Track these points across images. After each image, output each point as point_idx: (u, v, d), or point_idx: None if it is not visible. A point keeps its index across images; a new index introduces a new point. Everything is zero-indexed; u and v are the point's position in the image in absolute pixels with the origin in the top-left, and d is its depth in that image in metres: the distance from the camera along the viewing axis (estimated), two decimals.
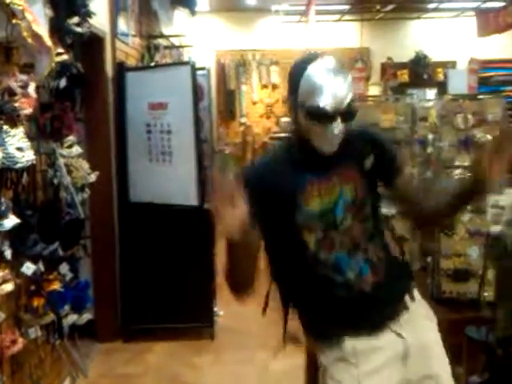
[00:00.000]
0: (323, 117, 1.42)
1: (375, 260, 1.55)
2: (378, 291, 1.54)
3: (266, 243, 1.54)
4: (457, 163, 2.15)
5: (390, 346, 1.53)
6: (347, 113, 1.44)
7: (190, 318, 3.85)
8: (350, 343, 1.51)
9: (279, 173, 1.52)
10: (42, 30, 2.27)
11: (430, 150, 2.30)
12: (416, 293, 1.64)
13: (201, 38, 7.75)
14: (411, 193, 1.58)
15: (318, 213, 1.50)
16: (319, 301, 1.55)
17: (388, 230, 1.64)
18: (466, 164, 2.15)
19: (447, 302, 2.08)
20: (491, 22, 6.91)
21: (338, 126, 1.43)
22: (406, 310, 1.56)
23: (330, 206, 1.50)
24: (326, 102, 1.42)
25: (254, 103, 8.56)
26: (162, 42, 5.56)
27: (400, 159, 1.58)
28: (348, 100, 1.44)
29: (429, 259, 2.19)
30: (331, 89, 1.42)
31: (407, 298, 1.59)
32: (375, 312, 1.54)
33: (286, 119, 8.37)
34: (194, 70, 3.78)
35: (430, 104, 2.43)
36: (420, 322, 1.59)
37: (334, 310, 1.54)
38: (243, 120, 8.42)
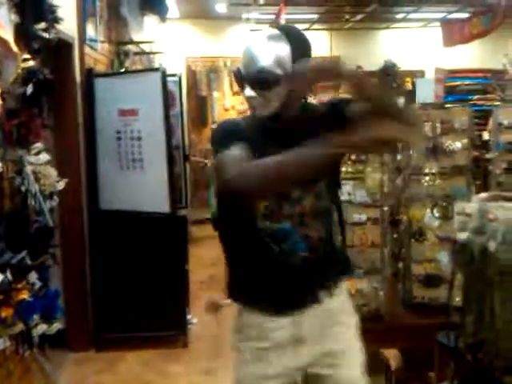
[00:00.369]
0: (238, 82, 1.53)
1: (316, 239, 1.57)
2: (309, 271, 1.58)
3: (220, 199, 1.64)
4: (426, 170, 2.18)
5: (288, 329, 1.58)
6: (256, 81, 1.48)
7: (162, 326, 3.81)
8: (260, 315, 1.59)
9: (245, 136, 1.55)
10: (8, 35, 2.23)
11: (399, 157, 2.33)
12: (344, 289, 1.66)
13: (171, 45, 7.72)
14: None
15: None
16: (253, 266, 1.60)
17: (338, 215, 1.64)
18: (434, 171, 2.18)
19: (418, 307, 2.11)
20: (456, 33, 7.07)
21: (248, 93, 1.49)
22: (326, 300, 1.58)
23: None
24: (244, 69, 1.50)
25: (226, 110, 8.56)
26: (132, 48, 5.52)
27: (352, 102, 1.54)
28: (257, 68, 1.48)
29: (400, 265, 2.22)
30: (246, 57, 1.50)
31: (332, 289, 1.61)
32: (298, 292, 1.59)
33: None
34: (164, 76, 3.76)
35: None
36: (334, 329, 1.60)
37: (262, 278, 1.59)
38: (215, 126, 8.41)
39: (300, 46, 1.52)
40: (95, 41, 4.26)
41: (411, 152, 2.18)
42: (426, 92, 4.54)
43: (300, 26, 6.56)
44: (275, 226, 1.56)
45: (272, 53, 1.48)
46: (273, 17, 7.06)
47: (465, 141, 2.32)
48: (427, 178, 2.17)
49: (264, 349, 1.60)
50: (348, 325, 1.65)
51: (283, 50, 1.48)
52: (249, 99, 1.52)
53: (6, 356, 2.52)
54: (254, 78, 1.49)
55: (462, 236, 1.82)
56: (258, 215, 1.56)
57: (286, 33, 1.51)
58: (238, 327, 1.66)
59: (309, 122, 1.56)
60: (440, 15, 7.54)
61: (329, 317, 1.61)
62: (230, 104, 8.54)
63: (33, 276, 2.54)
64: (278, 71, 1.48)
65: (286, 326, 1.59)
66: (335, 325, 1.61)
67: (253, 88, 1.50)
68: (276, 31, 1.52)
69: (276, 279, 1.59)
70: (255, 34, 1.55)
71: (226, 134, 1.55)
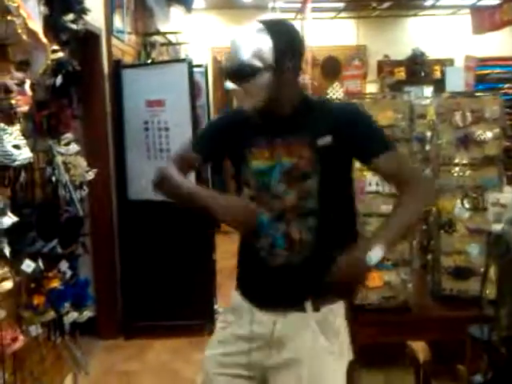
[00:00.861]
0: (223, 76, 1.53)
1: (296, 238, 1.53)
2: (290, 272, 1.54)
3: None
4: (456, 161, 2.14)
5: (265, 326, 1.55)
6: (235, 74, 1.50)
7: (190, 315, 3.85)
8: (245, 304, 1.60)
9: (237, 126, 1.60)
10: (37, 26, 2.26)
11: (428, 147, 2.29)
12: (340, 312, 1.57)
13: (197, 35, 7.72)
14: (393, 173, 1.51)
15: (257, 171, 1.55)
16: (243, 256, 1.63)
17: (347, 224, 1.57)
18: (465, 161, 2.14)
19: (447, 299, 2.08)
20: (486, 20, 6.92)
21: (230, 86, 1.51)
22: (312, 313, 1.52)
23: (268, 168, 1.54)
24: (226, 62, 1.53)
25: None
26: (158, 39, 5.54)
27: (378, 139, 1.51)
28: (236, 61, 1.49)
29: (429, 257, 2.19)
30: (231, 50, 1.51)
31: (310, 304, 1.53)
32: (279, 292, 1.55)
33: None
34: (190, 67, 3.76)
35: (428, 101, 2.43)
36: (312, 348, 1.52)
37: (249, 270, 1.61)
38: None
39: (284, 40, 1.50)
40: (122, 32, 4.28)
41: (440, 142, 2.14)
42: (456, 80, 4.45)
43: (326, 15, 6.47)
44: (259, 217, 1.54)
45: (251, 46, 1.48)
46: (299, 5, 7.00)
47: (496, 130, 2.27)
48: (457, 169, 2.13)
49: (235, 337, 1.60)
50: (331, 352, 1.54)
51: (264, 43, 1.48)
52: (232, 92, 1.55)
53: (38, 342, 2.58)
54: (232, 71, 1.51)
55: (497, 227, 1.78)
56: None
57: (269, 27, 1.50)
58: (225, 309, 1.70)
59: (299, 120, 1.53)
60: (470, 2, 7.38)
61: (310, 331, 1.53)
62: None
63: (64, 265, 2.59)
64: (257, 64, 1.47)
65: (264, 324, 1.56)
66: (315, 343, 1.53)
67: (232, 81, 1.52)
68: (259, 25, 1.51)
69: (258, 274, 1.59)
70: (240, 29, 1.55)
71: (216, 122, 1.66)
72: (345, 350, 1.59)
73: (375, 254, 1.35)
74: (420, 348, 2.64)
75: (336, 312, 1.56)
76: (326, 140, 1.49)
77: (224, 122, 1.69)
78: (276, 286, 1.56)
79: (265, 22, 1.53)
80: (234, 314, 1.64)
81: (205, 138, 1.71)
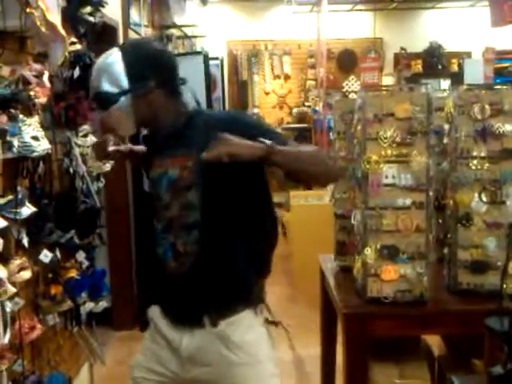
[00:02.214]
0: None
1: (181, 250, 1.53)
2: (181, 284, 1.56)
3: None
4: (474, 154, 2.11)
5: (173, 341, 1.59)
6: (95, 102, 1.54)
7: None
8: (158, 314, 1.66)
9: (149, 141, 1.65)
10: (56, 19, 2.28)
11: (446, 140, 2.27)
12: (245, 323, 1.55)
13: (213, 28, 7.72)
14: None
15: (151, 182, 1.62)
16: (155, 264, 1.65)
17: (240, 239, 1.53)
18: (483, 154, 2.12)
19: (464, 293, 2.06)
20: (506, 12, 6.81)
21: (97, 114, 1.57)
22: (210, 328, 1.53)
23: (157, 179, 1.58)
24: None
25: (267, 94, 8.54)
26: (174, 32, 5.55)
27: (263, 134, 1.43)
28: (93, 89, 1.51)
29: (445, 250, 2.17)
30: (91, 79, 1.54)
31: (206, 318, 1.53)
32: (176, 305, 1.59)
33: (298, 110, 8.35)
34: (206, 59, 3.78)
35: (446, 94, 2.41)
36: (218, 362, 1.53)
37: (157, 276, 1.66)
38: (255, 111, 8.40)
39: (140, 62, 1.49)
40: (139, 25, 4.30)
41: (458, 135, 2.12)
42: (475, 73, 4.40)
43: (343, 7, 6.45)
44: (156, 225, 1.62)
45: (104, 73, 1.48)
46: None
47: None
48: (475, 162, 2.10)
49: (159, 345, 1.64)
50: (240, 364, 1.54)
51: (116, 68, 1.47)
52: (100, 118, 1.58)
53: (55, 331, 2.62)
54: (93, 100, 1.54)
55: None
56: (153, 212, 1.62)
57: (124, 50, 1.50)
58: (149, 315, 1.73)
59: (182, 136, 1.52)
60: None
61: (213, 346, 1.53)
62: (271, 88, 8.51)
63: (81, 255, 2.62)
64: (112, 90, 1.47)
65: (174, 340, 1.59)
66: (221, 358, 1.54)
67: (97, 110, 1.55)
68: (115, 50, 1.51)
69: (162, 283, 1.64)
70: (100, 57, 1.56)
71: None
72: (259, 357, 1.57)
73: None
74: (435, 342, 2.63)
75: (237, 324, 1.55)
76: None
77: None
78: (174, 297, 1.61)
79: (121, 46, 1.54)
80: (154, 325, 1.68)
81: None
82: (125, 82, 1.47)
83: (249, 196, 1.55)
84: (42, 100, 2.28)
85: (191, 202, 1.51)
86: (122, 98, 1.48)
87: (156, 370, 1.63)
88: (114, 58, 1.49)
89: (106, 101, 1.48)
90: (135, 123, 1.54)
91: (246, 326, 1.56)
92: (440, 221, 2.31)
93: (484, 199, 2.07)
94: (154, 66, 1.50)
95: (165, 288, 1.65)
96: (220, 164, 1.38)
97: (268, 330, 1.63)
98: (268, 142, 1.38)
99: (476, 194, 2.07)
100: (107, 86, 1.47)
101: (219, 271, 1.54)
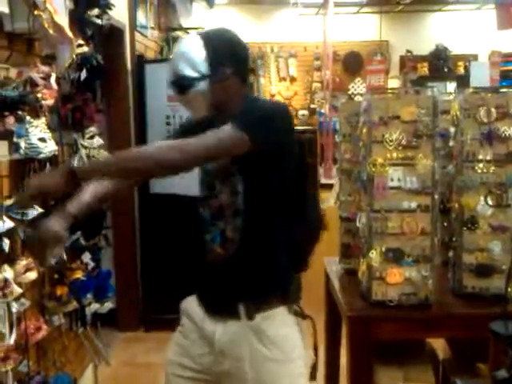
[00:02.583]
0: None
1: (229, 236, 1.56)
2: (223, 271, 1.58)
3: None
4: (480, 157, 2.11)
5: (208, 331, 1.59)
6: (174, 85, 1.55)
7: None
8: (193, 306, 1.66)
9: (198, 128, 1.59)
10: (63, 21, 2.29)
11: (451, 143, 2.27)
12: (278, 318, 1.56)
13: None
14: None
15: (204, 171, 1.63)
16: (196, 253, 1.65)
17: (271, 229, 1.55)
18: (489, 158, 2.12)
19: (469, 297, 2.05)
20: None
21: (174, 97, 1.58)
22: (246, 320, 1.54)
23: (208, 168, 1.60)
24: (169, 76, 1.57)
25: (272, 96, 8.53)
26: (180, 34, 5.56)
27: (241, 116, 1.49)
28: (173, 73, 1.53)
29: (450, 253, 2.16)
30: (170, 64, 1.57)
31: (242, 309, 1.54)
32: (215, 293, 1.60)
33: (304, 112, 8.34)
34: None
35: (452, 97, 2.40)
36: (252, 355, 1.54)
37: (198, 268, 1.66)
38: None
39: (219, 49, 1.54)
40: (145, 27, 4.32)
41: (463, 138, 2.12)
42: (481, 76, 4.39)
43: (349, 10, 6.43)
44: (203, 214, 1.62)
45: (185, 57, 1.52)
46: (321, 0, 6.96)
47: None
48: (481, 165, 2.10)
49: (190, 340, 1.64)
50: (272, 359, 1.55)
51: (197, 53, 1.52)
52: (179, 102, 1.60)
53: (61, 332, 2.63)
54: (172, 83, 1.55)
55: None
56: (197, 201, 1.63)
57: (204, 37, 1.54)
58: (182, 307, 1.73)
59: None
60: None
61: (247, 340, 1.54)
62: (277, 90, 8.51)
63: (86, 256, 2.63)
64: (192, 74, 1.51)
65: (208, 332, 1.60)
66: (254, 352, 1.54)
67: (175, 93, 1.57)
68: (196, 36, 1.55)
69: (204, 271, 1.65)
70: (178, 43, 1.62)
71: (185, 124, 1.73)
72: (292, 354, 1.58)
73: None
74: (440, 346, 2.62)
75: (272, 319, 1.56)
76: None
77: (190, 124, 1.71)
78: (213, 285, 1.61)
79: (201, 33, 1.57)
80: (186, 316, 1.69)
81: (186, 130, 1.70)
82: (205, 68, 1.52)
83: (287, 185, 1.58)
84: (49, 102, 2.29)
85: (235, 187, 1.55)
86: (201, 83, 1.52)
87: (189, 366, 1.64)
88: (195, 45, 1.53)
89: (185, 85, 1.53)
90: (208, 107, 1.56)
91: (280, 323, 1.57)
92: (445, 224, 2.31)
93: (490, 202, 2.07)
94: (232, 55, 1.57)
95: (204, 276, 1.66)
96: (257, 154, 1.43)
97: (300, 329, 1.64)
98: (75, 166, 1.46)
99: (481, 198, 2.07)
100: (188, 71, 1.52)
101: (257, 259, 1.56)
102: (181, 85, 1.54)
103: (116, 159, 1.48)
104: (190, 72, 1.52)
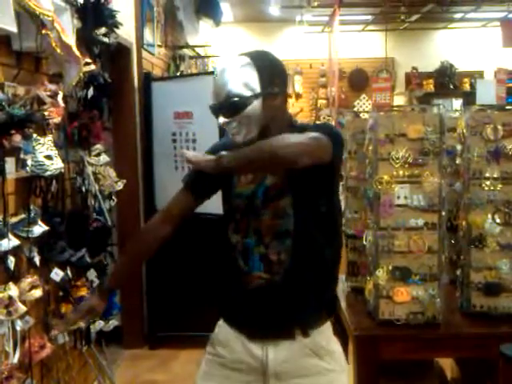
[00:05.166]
0: (212, 113, 1.56)
1: (274, 260, 1.53)
2: (271, 296, 1.54)
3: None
4: (487, 175, 2.10)
5: (256, 358, 1.55)
6: (226, 107, 1.51)
7: (215, 326, 3.85)
8: (235, 334, 1.59)
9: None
10: (71, 40, 2.31)
11: (458, 161, 2.26)
12: (327, 335, 1.58)
13: (225, 48, 7.80)
14: None
15: (243, 195, 1.58)
16: (228, 281, 1.62)
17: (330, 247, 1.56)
18: (496, 175, 2.11)
19: (477, 316, 2.03)
20: None
21: (222, 120, 1.52)
22: (301, 338, 1.53)
23: (253, 191, 1.56)
24: (215, 98, 1.54)
25: None
26: (187, 52, 5.61)
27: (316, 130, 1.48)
28: (225, 94, 1.50)
29: (458, 272, 2.14)
30: (215, 86, 1.54)
31: (297, 329, 1.53)
32: (264, 317, 1.55)
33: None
34: None
35: (458, 114, 2.40)
36: (310, 371, 1.53)
37: (235, 295, 1.60)
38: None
39: (268, 67, 1.53)
40: (152, 45, 4.35)
41: (470, 155, 2.11)
42: (487, 93, 4.38)
43: (354, 28, 6.48)
44: (242, 240, 1.57)
45: (238, 77, 1.51)
46: (326, 19, 7.02)
47: None
48: (488, 183, 2.09)
49: (229, 369, 1.60)
50: (332, 370, 1.56)
51: (249, 72, 1.51)
52: (225, 126, 1.55)
53: (65, 350, 2.61)
54: (225, 104, 1.52)
55: None
56: (230, 228, 1.59)
57: (252, 57, 1.54)
58: (212, 339, 1.69)
59: None
60: (500, 15, 7.29)
61: (304, 356, 1.54)
62: None
63: (92, 273, 2.62)
64: (246, 93, 1.50)
65: (257, 355, 1.56)
66: (314, 367, 1.54)
67: (225, 115, 1.52)
68: (243, 57, 1.54)
69: (243, 298, 1.59)
70: (221, 63, 1.60)
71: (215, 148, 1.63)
72: (344, 364, 1.62)
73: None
74: (448, 365, 2.59)
75: (326, 333, 1.58)
76: None
77: (223, 148, 1.65)
78: (259, 311, 1.56)
79: (248, 54, 1.56)
80: (223, 346, 1.64)
81: (198, 176, 1.64)
82: (258, 86, 1.51)
83: (331, 202, 1.58)
84: (56, 120, 2.30)
85: (284, 209, 1.53)
86: (255, 102, 1.51)
87: None
88: (244, 63, 1.53)
89: (240, 104, 1.51)
90: (260, 127, 1.54)
91: (330, 335, 1.60)
92: (453, 242, 2.29)
93: (497, 220, 2.06)
94: (278, 73, 1.57)
95: (245, 303, 1.60)
96: (306, 173, 1.42)
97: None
98: (222, 153, 1.45)
99: (489, 216, 2.05)
100: (242, 90, 1.50)
101: (311, 280, 1.54)
102: (235, 105, 1.50)
103: (250, 152, 1.46)
104: (244, 91, 1.50)
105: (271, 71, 1.55)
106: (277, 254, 1.53)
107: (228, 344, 1.62)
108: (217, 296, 1.71)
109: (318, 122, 1.66)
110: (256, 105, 1.51)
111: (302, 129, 1.54)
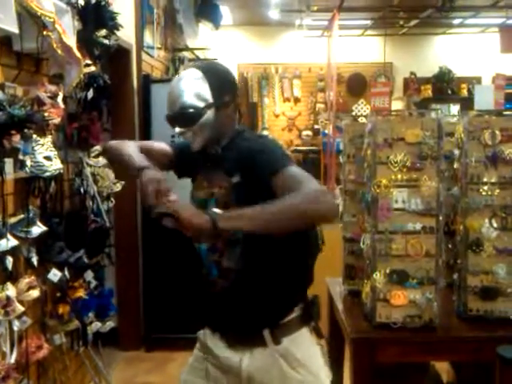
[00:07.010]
0: (168, 123, 1.61)
1: (225, 266, 1.57)
2: (228, 300, 1.58)
3: None
4: (484, 179, 2.11)
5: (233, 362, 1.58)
6: (181, 118, 1.56)
7: None
8: (205, 334, 1.67)
9: (194, 155, 1.66)
10: (71, 41, 2.32)
11: (456, 165, 2.27)
12: (305, 341, 1.58)
13: (224, 52, 7.81)
14: (289, 186, 1.39)
15: (198, 202, 1.63)
16: (199, 283, 1.67)
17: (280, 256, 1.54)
18: (494, 180, 2.12)
19: (473, 319, 2.04)
20: None
21: (178, 130, 1.57)
22: (260, 346, 1.55)
23: (204, 201, 1.61)
24: (169, 109, 1.59)
25: (276, 116, 8.58)
26: (186, 54, 5.62)
27: (274, 160, 1.47)
28: (179, 105, 1.55)
29: (455, 276, 2.15)
30: (169, 97, 1.59)
31: (267, 335, 1.54)
32: (219, 318, 1.62)
33: (307, 132, 8.38)
34: None
35: (456, 119, 2.42)
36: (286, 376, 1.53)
37: (202, 299, 1.66)
38: (265, 133, 8.43)
39: (218, 78, 1.59)
40: (152, 48, 4.37)
41: (468, 160, 2.13)
42: (485, 99, 4.39)
43: (353, 32, 6.47)
44: (198, 246, 1.62)
45: (190, 89, 1.55)
46: (325, 23, 7.03)
47: None
48: (485, 188, 2.10)
49: (210, 364, 1.65)
50: (302, 381, 1.56)
51: (200, 84, 1.56)
52: (181, 136, 1.60)
53: (62, 351, 2.61)
54: (178, 115, 1.56)
55: None
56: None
57: (203, 70, 1.58)
58: (199, 335, 1.73)
59: (226, 160, 1.59)
60: (499, 21, 7.33)
61: (276, 365, 1.54)
62: (280, 110, 8.55)
63: (89, 275, 2.62)
64: (200, 104, 1.55)
65: (232, 361, 1.59)
66: (285, 378, 1.54)
67: (180, 125, 1.57)
68: (194, 70, 1.59)
69: (209, 301, 1.65)
70: (175, 78, 1.63)
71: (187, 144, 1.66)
72: (321, 374, 1.60)
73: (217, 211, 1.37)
74: (444, 368, 2.59)
75: (299, 341, 1.58)
76: (236, 179, 1.54)
77: (188, 148, 1.68)
78: (222, 314, 1.62)
79: (197, 66, 1.62)
80: (204, 347, 1.69)
81: (183, 150, 1.72)
82: (209, 96, 1.56)
83: None
84: (56, 121, 2.31)
85: None
86: (209, 112, 1.56)
87: None
88: (196, 76, 1.57)
89: (194, 115, 1.55)
90: (209, 138, 1.59)
91: (306, 344, 1.59)
92: (450, 246, 2.30)
93: (494, 225, 2.07)
94: (229, 83, 1.63)
95: (214, 309, 1.66)
96: (247, 188, 1.47)
97: (322, 348, 1.65)
98: (216, 212, 1.37)
99: (486, 220, 2.06)
100: (194, 101, 1.55)
101: (263, 285, 1.56)
102: (190, 116, 1.55)
103: (254, 215, 1.37)
104: (197, 102, 1.55)
105: (222, 81, 1.60)
106: (228, 260, 1.57)
107: (206, 344, 1.68)
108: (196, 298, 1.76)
109: (260, 136, 1.62)
110: (209, 114, 1.57)
111: (240, 143, 1.58)
